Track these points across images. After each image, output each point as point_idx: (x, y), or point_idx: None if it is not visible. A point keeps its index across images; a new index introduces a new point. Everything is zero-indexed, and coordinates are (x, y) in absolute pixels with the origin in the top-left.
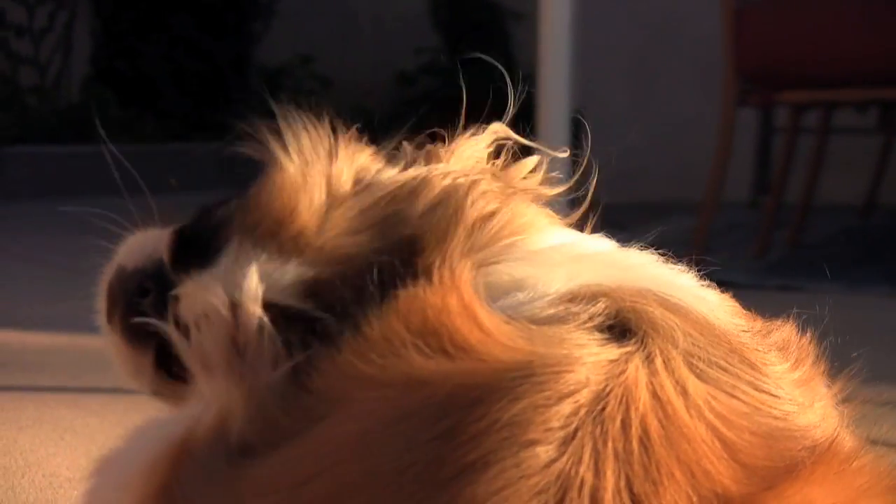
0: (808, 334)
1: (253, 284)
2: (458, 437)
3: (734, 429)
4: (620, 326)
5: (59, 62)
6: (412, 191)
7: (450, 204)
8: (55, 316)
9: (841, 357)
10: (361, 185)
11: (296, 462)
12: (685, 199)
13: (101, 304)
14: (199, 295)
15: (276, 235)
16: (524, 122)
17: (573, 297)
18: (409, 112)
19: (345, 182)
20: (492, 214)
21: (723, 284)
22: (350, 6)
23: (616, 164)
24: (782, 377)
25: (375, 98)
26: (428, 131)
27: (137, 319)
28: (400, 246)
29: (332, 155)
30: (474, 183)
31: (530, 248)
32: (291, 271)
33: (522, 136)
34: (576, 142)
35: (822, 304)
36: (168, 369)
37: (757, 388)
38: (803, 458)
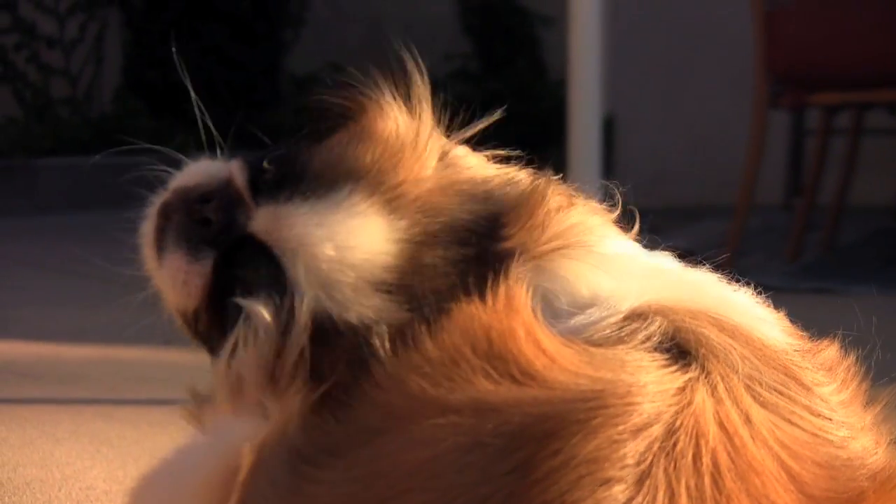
0: (851, 354)
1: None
2: (534, 473)
3: (798, 459)
4: (678, 348)
5: (90, 73)
6: (502, 176)
7: (535, 191)
8: (90, 328)
9: (876, 360)
10: (448, 160)
11: (362, 485)
12: (718, 203)
13: (148, 226)
14: (293, 230)
15: (381, 184)
16: (556, 125)
17: (631, 316)
18: (439, 118)
19: (436, 150)
20: (567, 208)
21: (757, 287)
22: (379, 13)
23: (648, 168)
24: (832, 398)
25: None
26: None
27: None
28: (488, 212)
29: (429, 120)
30: (552, 182)
31: (608, 254)
32: (392, 238)
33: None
34: (608, 146)
35: (856, 307)
36: (220, 293)
37: (813, 413)
38: (865, 488)
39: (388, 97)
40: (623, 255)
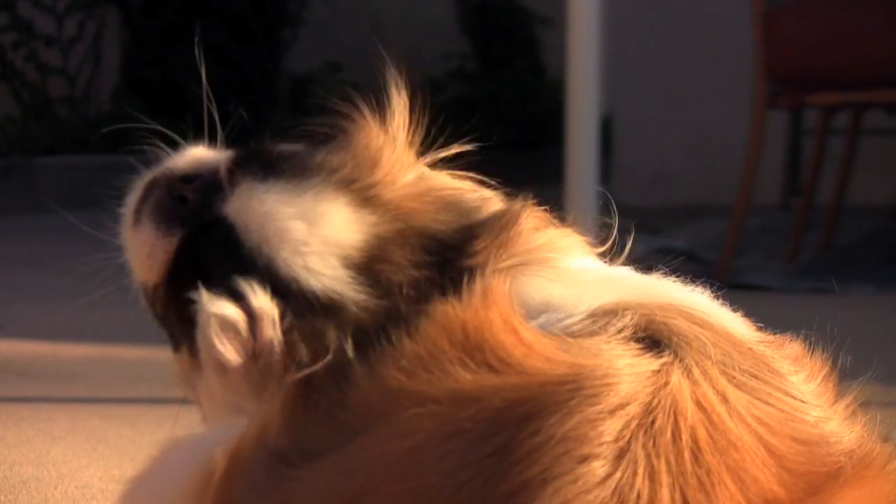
0: (819, 349)
1: (267, 304)
2: (514, 454)
3: (776, 435)
4: (650, 338)
5: (88, 72)
6: (478, 195)
7: (508, 211)
8: (88, 327)
9: (871, 358)
10: (425, 174)
11: (343, 478)
12: (716, 203)
13: (132, 198)
14: (262, 207)
15: (354, 181)
16: (555, 126)
17: (601, 312)
18: (438, 118)
19: (413, 163)
20: (539, 229)
21: (755, 287)
22: (378, 13)
23: (647, 169)
24: (803, 386)
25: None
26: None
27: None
28: (459, 226)
29: (413, 131)
30: (528, 205)
31: (565, 268)
32: (360, 228)
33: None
34: (606, 146)
35: (854, 307)
36: (182, 270)
37: (788, 395)
38: (844, 464)
39: (371, 114)
40: (582, 268)
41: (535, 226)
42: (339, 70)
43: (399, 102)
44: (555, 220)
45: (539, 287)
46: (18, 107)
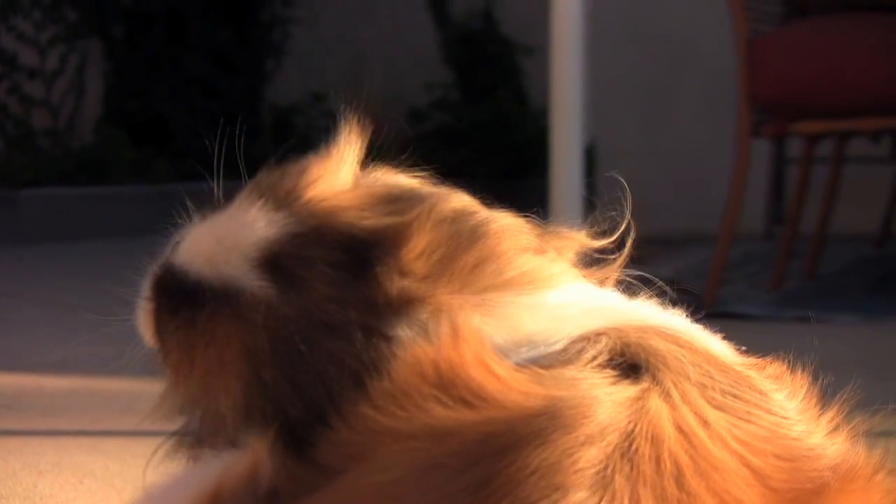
0: (800, 369)
1: None
2: (491, 486)
3: (758, 454)
4: (628, 362)
5: (71, 104)
6: (425, 195)
7: (463, 222)
8: (73, 359)
9: (857, 387)
10: (371, 177)
11: None
12: (699, 232)
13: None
14: (194, 238)
15: (274, 187)
16: (538, 155)
17: (576, 340)
18: (421, 148)
19: (354, 165)
20: (524, 251)
21: (739, 317)
22: (361, 44)
23: (629, 198)
24: (785, 403)
25: (387, 134)
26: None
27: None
28: (385, 231)
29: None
30: (494, 218)
31: (545, 302)
32: (269, 228)
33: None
34: (589, 175)
35: (840, 336)
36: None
37: (769, 412)
38: (828, 479)
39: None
40: (564, 301)
41: (520, 246)
42: (323, 100)
43: (346, 126)
44: (544, 239)
45: (517, 322)
46: (1, 139)
